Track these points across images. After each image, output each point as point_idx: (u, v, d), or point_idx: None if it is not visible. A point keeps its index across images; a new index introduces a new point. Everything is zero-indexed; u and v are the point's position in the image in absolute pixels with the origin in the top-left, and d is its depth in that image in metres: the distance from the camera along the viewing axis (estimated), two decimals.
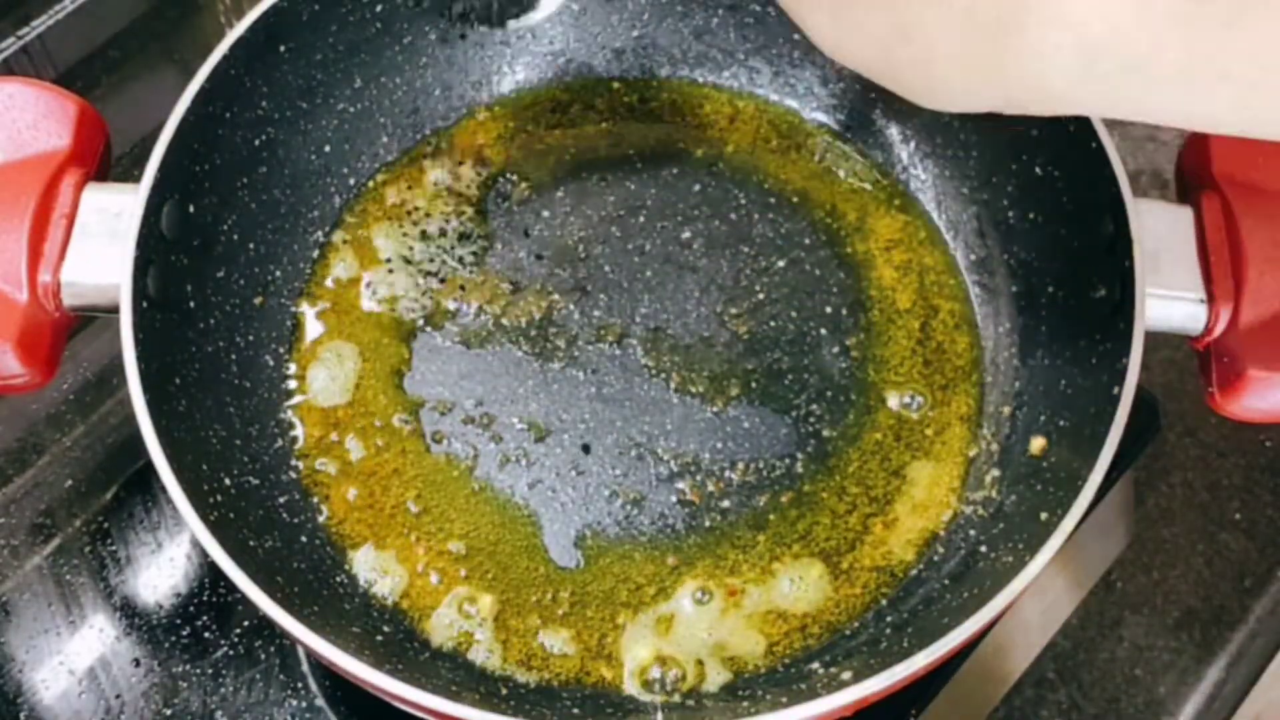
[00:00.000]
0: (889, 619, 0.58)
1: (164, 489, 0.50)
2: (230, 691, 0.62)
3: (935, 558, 0.60)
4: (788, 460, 0.63)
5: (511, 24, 0.66)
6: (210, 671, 0.62)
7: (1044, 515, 0.53)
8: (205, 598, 0.64)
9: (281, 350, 0.65)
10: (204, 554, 0.51)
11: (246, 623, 0.63)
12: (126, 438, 0.68)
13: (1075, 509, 0.51)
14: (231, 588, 0.49)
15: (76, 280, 0.55)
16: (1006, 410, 0.63)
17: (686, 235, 0.68)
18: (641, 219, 0.69)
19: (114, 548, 0.65)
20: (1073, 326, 0.60)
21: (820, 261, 0.68)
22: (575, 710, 0.55)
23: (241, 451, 0.59)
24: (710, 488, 0.62)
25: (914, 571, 0.60)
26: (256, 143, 0.64)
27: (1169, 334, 0.56)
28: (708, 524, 0.61)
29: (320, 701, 0.62)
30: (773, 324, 0.66)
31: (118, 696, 0.62)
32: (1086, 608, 0.66)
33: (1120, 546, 0.68)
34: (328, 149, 0.68)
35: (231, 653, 0.63)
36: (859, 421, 0.64)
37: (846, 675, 0.51)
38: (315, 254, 0.67)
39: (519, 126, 0.72)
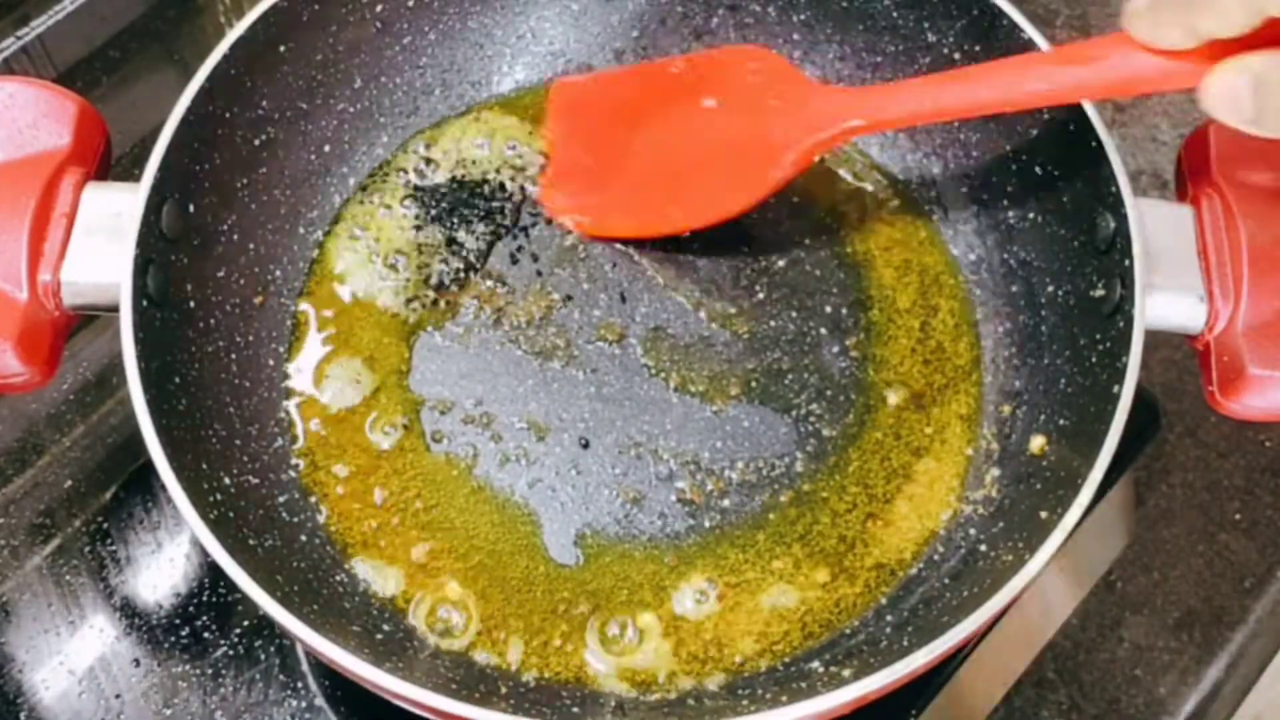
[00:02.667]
0: (889, 618, 0.58)
1: (164, 489, 0.50)
2: (230, 691, 0.61)
3: (935, 557, 0.60)
4: (788, 460, 0.63)
5: None
6: (210, 671, 0.62)
7: (1044, 514, 0.53)
8: (205, 598, 0.64)
9: (281, 350, 0.65)
10: (204, 554, 0.51)
11: (246, 623, 0.63)
12: (126, 438, 0.68)
13: (1075, 508, 0.51)
14: (231, 588, 0.49)
15: (76, 280, 0.55)
16: (1006, 410, 0.63)
17: (686, 235, 0.68)
18: None
19: (114, 548, 0.65)
20: (1073, 326, 0.60)
21: (820, 261, 0.68)
22: (575, 709, 0.55)
23: (241, 451, 0.59)
24: (710, 487, 0.62)
25: (914, 570, 0.60)
26: (256, 143, 0.64)
27: (1169, 333, 0.56)
28: (707, 523, 0.61)
29: (320, 701, 0.62)
30: (773, 324, 0.66)
31: (118, 696, 0.61)
32: (1086, 608, 0.66)
33: (1120, 546, 0.68)
34: (328, 149, 0.68)
35: (231, 653, 0.63)
36: (859, 421, 0.64)
37: (846, 674, 0.51)
38: (315, 254, 0.68)
39: (519, 127, 0.72)
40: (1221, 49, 0.46)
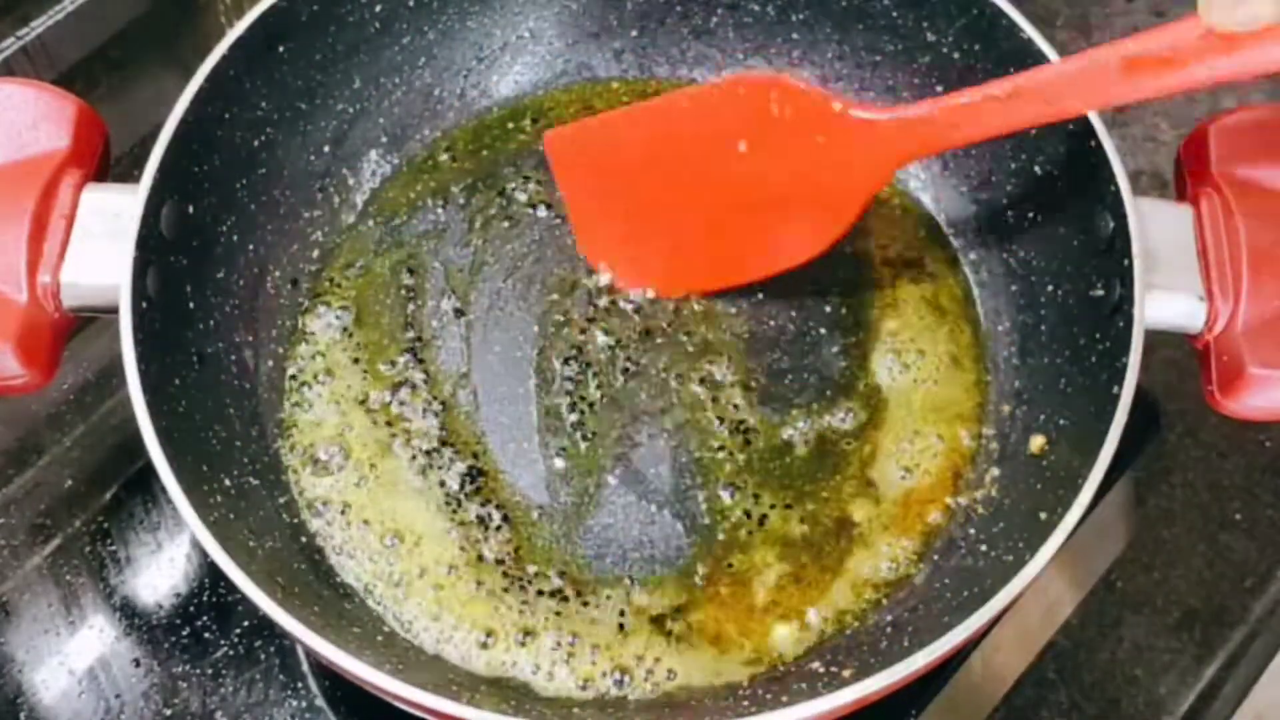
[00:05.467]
0: (889, 619, 0.58)
1: (164, 489, 0.50)
2: (230, 691, 0.62)
3: (935, 557, 0.60)
4: (788, 460, 0.63)
5: None
6: (210, 671, 0.62)
7: (1044, 514, 0.53)
8: (205, 598, 0.64)
9: (281, 350, 0.65)
10: (204, 554, 0.51)
11: (246, 623, 0.63)
12: (126, 438, 0.68)
13: (1075, 508, 0.51)
14: (231, 588, 0.49)
15: (76, 281, 0.55)
16: (1006, 409, 0.63)
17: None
18: None
19: (114, 548, 0.65)
20: (1072, 326, 0.60)
21: (820, 261, 0.68)
22: (576, 710, 0.55)
23: (241, 452, 0.59)
24: (711, 487, 0.62)
25: (914, 571, 0.60)
26: (256, 143, 0.64)
27: (1169, 333, 0.56)
28: (708, 524, 0.61)
29: (320, 701, 0.62)
30: (773, 324, 0.66)
31: (118, 696, 0.62)
32: (1086, 608, 0.66)
33: (1120, 546, 0.67)
34: (327, 149, 0.68)
35: (231, 653, 0.63)
36: (859, 421, 0.64)
37: (847, 674, 0.51)
38: (315, 254, 0.67)
39: (518, 127, 0.72)
40: None
